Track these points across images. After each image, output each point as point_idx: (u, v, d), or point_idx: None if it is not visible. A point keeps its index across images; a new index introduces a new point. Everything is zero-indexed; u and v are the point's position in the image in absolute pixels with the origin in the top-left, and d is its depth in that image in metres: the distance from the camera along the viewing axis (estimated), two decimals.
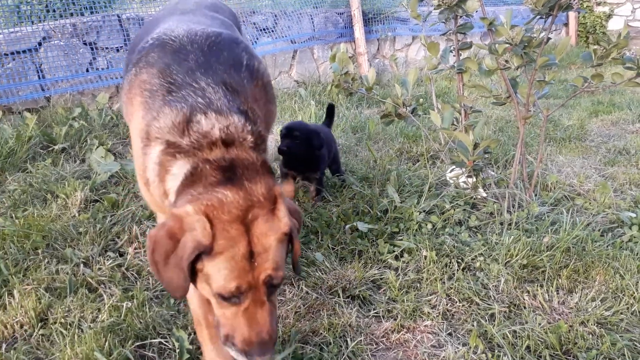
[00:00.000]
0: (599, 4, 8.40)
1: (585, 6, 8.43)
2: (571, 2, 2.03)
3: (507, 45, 2.22)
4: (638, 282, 1.86)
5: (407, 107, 2.71)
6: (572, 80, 2.23)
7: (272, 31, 4.91)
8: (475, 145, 2.26)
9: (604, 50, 2.06)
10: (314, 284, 1.86)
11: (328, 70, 5.20)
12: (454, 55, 2.51)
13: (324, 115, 3.04)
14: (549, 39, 2.17)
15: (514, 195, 2.33)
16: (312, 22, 5.15)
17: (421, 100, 2.55)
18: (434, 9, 2.39)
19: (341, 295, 1.79)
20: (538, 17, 2.23)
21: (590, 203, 2.52)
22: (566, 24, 8.46)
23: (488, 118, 4.24)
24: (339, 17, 5.32)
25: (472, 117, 2.80)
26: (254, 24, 4.83)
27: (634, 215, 2.27)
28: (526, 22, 2.17)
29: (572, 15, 8.36)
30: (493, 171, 2.84)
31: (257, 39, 4.83)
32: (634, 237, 2.15)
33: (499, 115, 4.35)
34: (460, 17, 2.38)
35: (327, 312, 1.69)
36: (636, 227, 2.19)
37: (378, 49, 5.75)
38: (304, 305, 1.73)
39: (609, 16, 8.37)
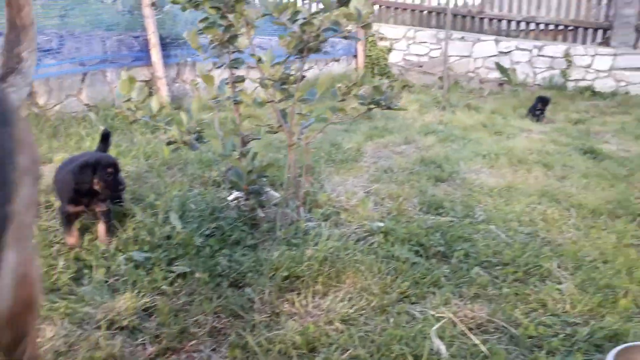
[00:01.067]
0: (381, 39, 9.65)
1: (370, 40, 9.61)
2: (320, 46, 2.34)
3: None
4: (378, 281, 2.23)
5: (192, 135, 2.82)
6: (324, 112, 2.57)
7: (58, 52, 4.61)
8: (251, 171, 2.47)
9: (347, 88, 2.42)
10: (81, 319, 1.84)
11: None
12: (229, 88, 2.71)
13: (99, 141, 2.94)
14: (303, 76, 2.46)
15: (287, 214, 2.60)
16: (104, 44, 4.98)
17: (199, 128, 2.67)
18: (209, 42, 2.56)
19: (109, 327, 1.81)
20: (295, 56, 2.51)
21: (353, 216, 2.93)
22: (355, 56, 9.51)
23: (280, 144, 4.57)
24: (134, 40, 5.24)
25: (253, 144, 3.03)
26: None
27: (382, 224, 2.71)
28: (281, 62, 2.42)
29: (360, 48, 9.46)
30: (276, 192, 3.11)
31: (40, 60, 4.49)
32: (381, 243, 2.57)
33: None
34: (233, 52, 2.59)
35: (89, 347, 1.69)
36: (382, 234, 2.61)
37: (178, 73, 5.79)
38: (65, 344, 1.70)
39: (390, 50, 9.66)
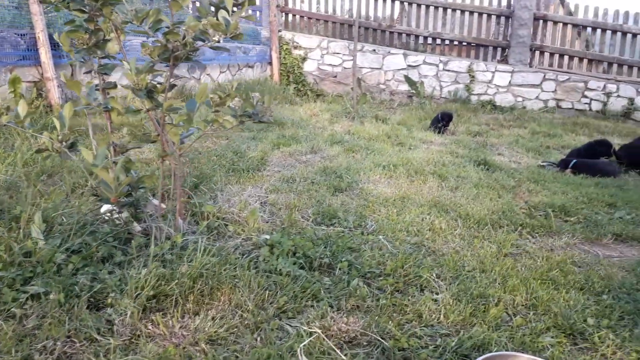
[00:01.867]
0: (295, 48, 9.68)
1: (285, 48, 9.61)
2: (190, 54, 2.22)
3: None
4: (256, 295, 2.16)
5: (65, 142, 2.61)
6: (197, 123, 2.45)
7: None
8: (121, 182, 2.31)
9: (220, 99, 2.33)
10: None
11: (7, 95, 4.66)
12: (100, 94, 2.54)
13: None
14: (173, 85, 2.33)
15: (163, 228, 2.47)
16: None
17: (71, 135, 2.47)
18: (75, 46, 2.39)
19: None
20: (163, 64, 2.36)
21: (242, 229, 2.85)
22: (270, 63, 9.47)
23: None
24: (20, 38, 4.84)
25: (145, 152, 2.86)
26: None
27: (268, 237, 2.65)
28: (146, 70, 2.23)
29: (274, 56, 9.42)
30: (163, 203, 2.96)
31: None
32: (265, 257, 2.50)
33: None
34: (103, 57, 2.42)
35: None
36: (268, 247, 2.55)
37: (72, 74, 5.43)
38: None
39: (304, 59, 9.71)
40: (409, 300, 2.35)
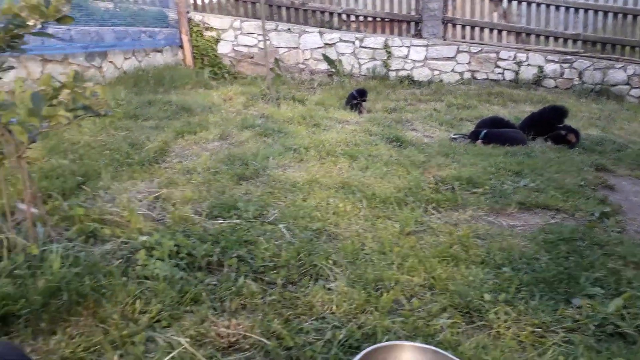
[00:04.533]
0: (207, 30, 9.24)
1: (195, 30, 9.16)
2: (13, 42, 1.87)
3: None
4: (126, 306, 1.94)
5: None
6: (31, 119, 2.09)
7: None
8: None
9: (54, 92, 2.02)
10: None
11: None
12: None
13: None
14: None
15: (14, 239, 2.16)
16: None
17: None
18: None
19: None
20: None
21: (122, 231, 2.58)
22: (181, 47, 9.00)
23: (71, 147, 3.98)
24: None
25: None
26: None
27: (145, 238, 2.40)
28: None
29: (185, 38, 8.96)
30: (36, 208, 2.63)
31: None
32: (143, 261, 2.26)
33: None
34: None
35: None
36: (144, 250, 2.30)
37: None
38: None
39: (217, 40, 9.31)
40: (302, 292, 2.21)
